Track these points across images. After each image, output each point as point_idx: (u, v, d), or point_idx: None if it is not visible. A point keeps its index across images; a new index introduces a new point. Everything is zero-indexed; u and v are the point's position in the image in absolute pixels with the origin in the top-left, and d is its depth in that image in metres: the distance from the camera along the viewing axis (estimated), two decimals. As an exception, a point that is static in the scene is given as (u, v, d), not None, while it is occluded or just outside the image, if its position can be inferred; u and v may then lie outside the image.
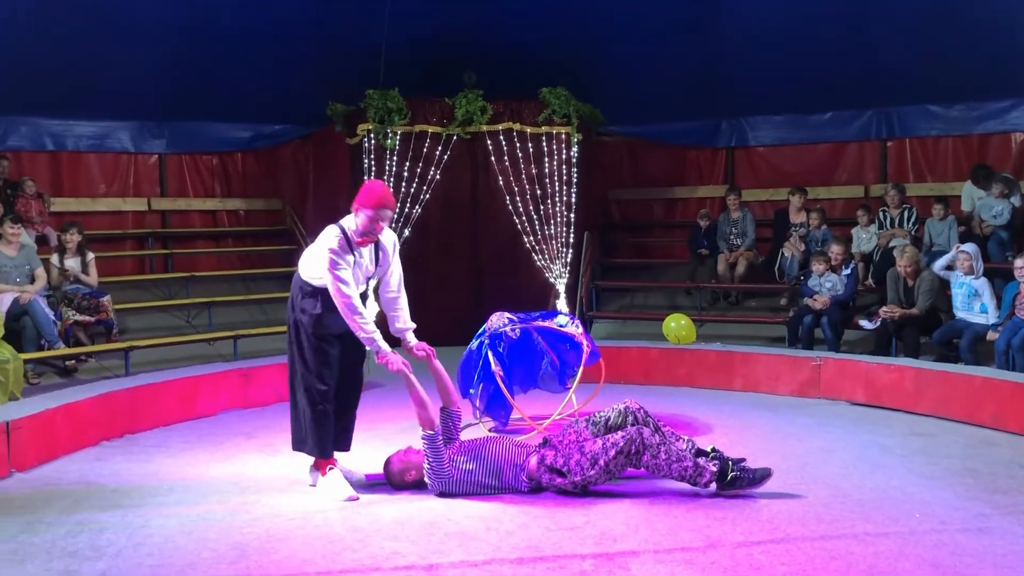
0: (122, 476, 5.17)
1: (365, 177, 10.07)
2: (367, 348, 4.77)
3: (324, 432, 4.71)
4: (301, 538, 4.06)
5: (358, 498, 4.63)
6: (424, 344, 4.91)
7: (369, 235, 4.69)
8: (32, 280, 8.18)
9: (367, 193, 4.69)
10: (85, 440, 5.82)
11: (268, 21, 10.06)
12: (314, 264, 4.70)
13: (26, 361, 7.38)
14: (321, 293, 4.68)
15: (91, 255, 8.85)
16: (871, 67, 10.29)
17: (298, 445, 4.85)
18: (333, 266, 4.54)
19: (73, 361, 8.28)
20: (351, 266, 4.62)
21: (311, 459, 4.88)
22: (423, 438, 4.72)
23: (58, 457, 5.54)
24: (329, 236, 4.64)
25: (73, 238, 8.67)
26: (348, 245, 4.63)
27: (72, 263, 8.64)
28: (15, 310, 7.81)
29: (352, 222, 4.69)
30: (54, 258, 8.65)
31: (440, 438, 4.72)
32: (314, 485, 4.82)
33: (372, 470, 5.09)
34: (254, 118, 11.41)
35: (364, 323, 4.60)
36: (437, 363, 4.89)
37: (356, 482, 4.88)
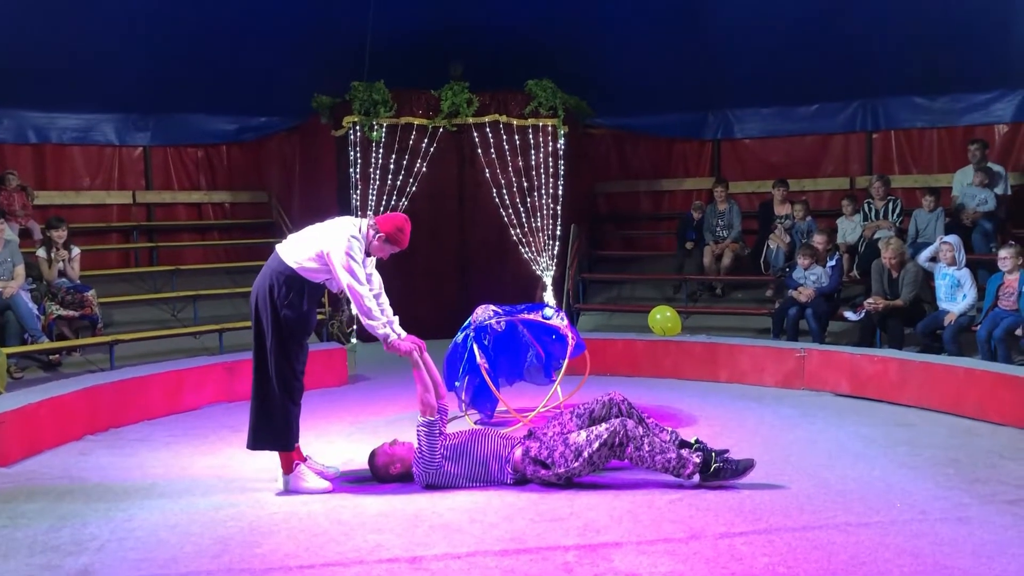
0: (106, 470, 5.16)
1: (351, 170, 10.07)
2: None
3: (293, 426, 4.65)
4: (285, 532, 4.06)
5: (332, 487, 4.65)
6: (414, 337, 4.86)
7: (372, 254, 4.75)
8: (13, 275, 8.13)
9: (396, 229, 4.68)
10: (69, 434, 5.80)
11: (253, 12, 10.02)
12: (311, 248, 4.57)
13: (9, 355, 7.36)
14: (308, 285, 4.61)
15: (76, 250, 8.81)
16: (857, 59, 10.34)
17: (260, 443, 4.64)
18: (350, 260, 4.49)
19: (57, 355, 8.25)
20: (361, 257, 4.60)
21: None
22: (422, 425, 4.68)
23: (42, 451, 5.52)
24: (344, 231, 4.56)
25: (62, 234, 8.62)
26: (361, 239, 4.62)
27: (59, 258, 8.60)
28: (-2, 304, 7.78)
29: (356, 228, 4.62)
30: (40, 251, 8.61)
31: (438, 427, 4.70)
32: (291, 489, 4.65)
33: (358, 464, 5.09)
34: (239, 110, 11.37)
35: (378, 319, 4.59)
36: (427, 356, 4.86)
37: (333, 475, 4.88)
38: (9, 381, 7.19)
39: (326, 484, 4.66)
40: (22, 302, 7.90)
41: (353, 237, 4.55)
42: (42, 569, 3.64)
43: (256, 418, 4.63)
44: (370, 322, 4.62)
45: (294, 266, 4.59)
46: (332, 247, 4.52)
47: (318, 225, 4.74)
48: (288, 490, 4.62)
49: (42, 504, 4.49)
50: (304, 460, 4.81)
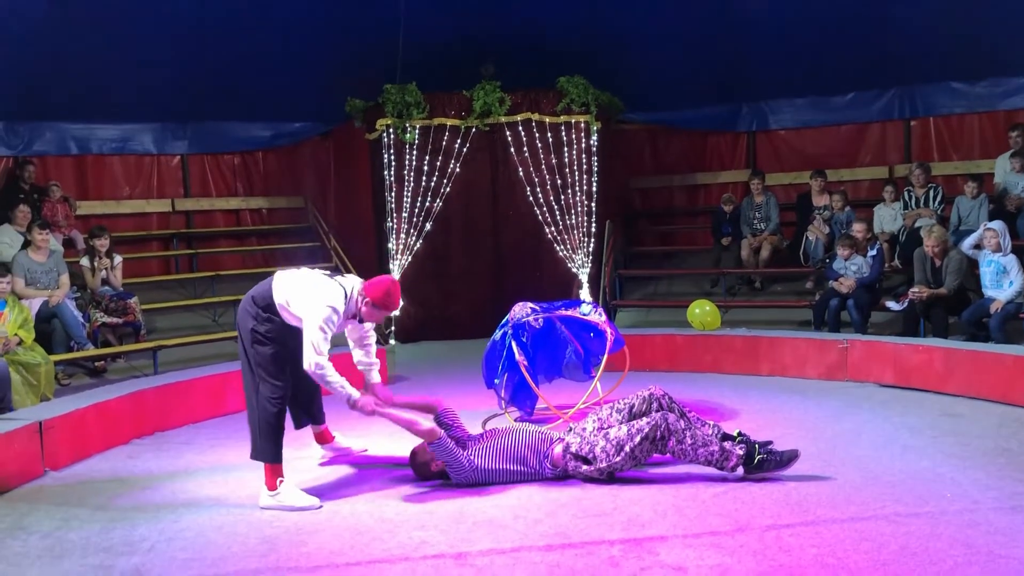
0: (153, 473, 5.24)
1: (385, 172, 10.12)
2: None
3: (277, 440, 4.61)
4: (330, 530, 4.08)
5: (321, 505, 4.47)
6: (387, 391, 4.87)
7: (364, 319, 4.76)
8: (59, 284, 8.28)
9: (384, 294, 4.66)
10: (116, 438, 5.89)
11: (284, 19, 10.11)
12: (297, 295, 4.57)
13: (56, 363, 7.49)
14: (286, 326, 4.63)
15: (119, 258, 8.95)
16: (892, 46, 10.18)
17: (255, 454, 4.63)
18: (327, 320, 4.46)
19: (102, 362, 8.38)
20: (333, 331, 4.57)
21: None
22: (431, 448, 4.69)
23: (90, 455, 5.62)
24: (332, 293, 4.54)
25: (104, 243, 8.77)
26: (342, 312, 4.59)
27: (103, 266, 8.75)
28: (45, 313, 7.92)
29: (342, 298, 4.59)
30: (84, 260, 8.76)
31: (448, 441, 4.69)
32: (274, 507, 4.48)
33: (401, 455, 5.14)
34: (274, 116, 11.49)
35: (334, 381, 4.52)
36: (395, 407, 4.83)
37: (359, 452, 5.06)
38: (57, 387, 7.32)
39: (312, 500, 4.49)
40: (68, 310, 8.04)
41: (334, 310, 4.50)
42: (96, 569, 3.70)
43: (250, 430, 4.66)
44: (328, 385, 4.55)
45: (279, 302, 4.59)
46: (308, 315, 4.48)
47: (315, 280, 4.66)
48: (270, 507, 4.46)
49: (93, 507, 4.57)
50: (332, 443, 4.90)
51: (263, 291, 4.67)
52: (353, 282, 4.76)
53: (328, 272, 4.84)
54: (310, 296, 4.55)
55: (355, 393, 4.61)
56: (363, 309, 4.70)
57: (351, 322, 4.84)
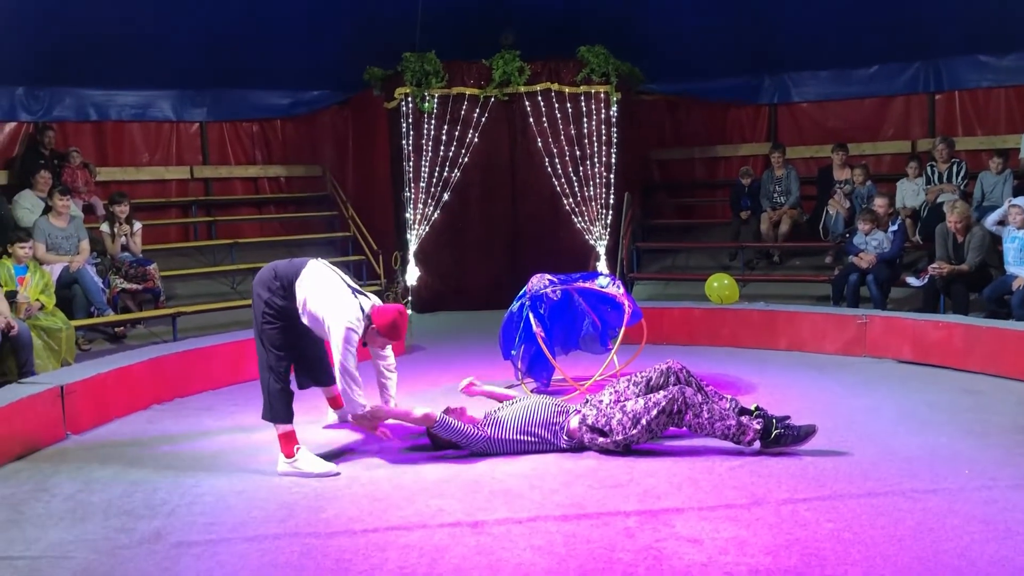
0: (173, 438, 5.29)
1: (403, 141, 10.09)
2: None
3: (285, 401, 4.65)
4: (348, 497, 4.12)
5: (339, 472, 4.49)
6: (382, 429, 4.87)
7: (366, 340, 4.77)
8: (79, 250, 8.34)
9: (391, 325, 4.68)
10: (137, 403, 5.95)
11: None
12: (318, 302, 4.62)
13: (77, 328, 7.57)
14: (297, 321, 4.69)
15: (138, 224, 9.01)
16: (918, 18, 10.02)
17: (266, 415, 4.69)
18: (348, 340, 4.53)
19: (122, 328, 8.46)
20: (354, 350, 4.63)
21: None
22: (434, 432, 4.73)
23: (111, 420, 5.68)
24: (353, 314, 4.58)
25: (124, 209, 8.82)
26: (361, 333, 4.64)
27: (122, 232, 8.81)
28: (65, 279, 7.99)
29: (357, 317, 4.62)
30: (104, 226, 8.81)
31: (448, 420, 4.70)
32: (292, 472, 4.51)
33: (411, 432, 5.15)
34: (292, 84, 11.47)
35: (357, 397, 4.62)
36: (382, 409, 4.86)
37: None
38: (78, 353, 7.40)
39: (330, 466, 4.53)
40: (88, 276, 8.11)
41: (353, 331, 4.55)
42: (118, 532, 3.76)
43: (262, 391, 4.71)
44: (348, 393, 4.63)
45: (299, 295, 4.63)
46: (334, 327, 4.55)
47: (339, 293, 4.66)
48: (288, 473, 4.50)
49: (114, 470, 4.63)
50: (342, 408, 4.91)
51: (289, 271, 4.69)
52: (372, 302, 4.79)
53: (352, 286, 4.81)
54: (333, 311, 4.58)
55: (361, 408, 4.67)
56: (369, 329, 4.72)
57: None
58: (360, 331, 4.63)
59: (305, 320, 4.68)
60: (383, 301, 5.08)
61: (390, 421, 4.99)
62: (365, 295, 4.82)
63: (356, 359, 4.61)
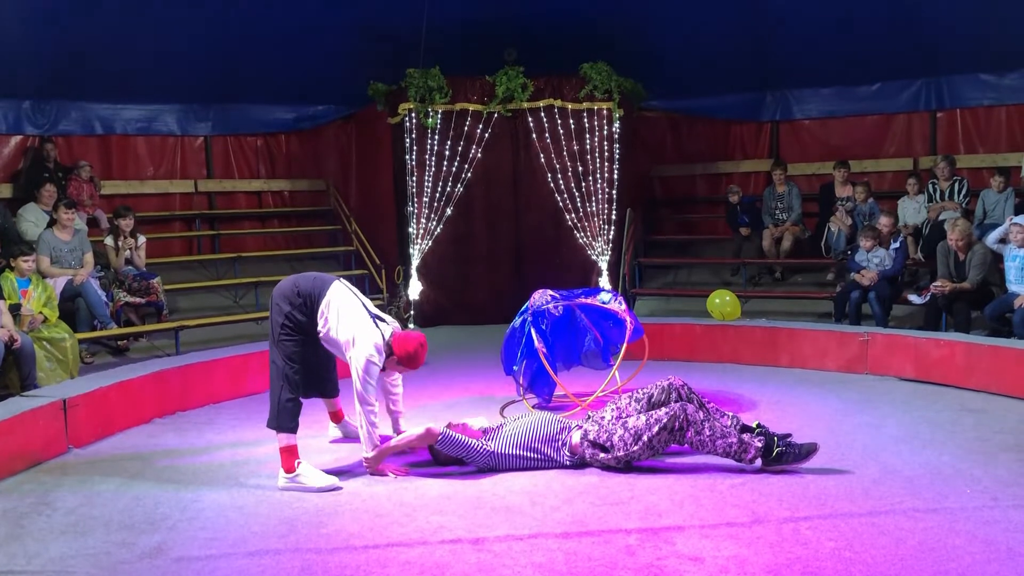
0: (175, 452, 5.30)
1: (407, 156, 10.13)
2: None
3: (292, 413, 4.68)
4: (349, 513, 4.12)
5: (341, 486, 4.50)
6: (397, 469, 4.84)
7: (384, 367, 4.79)
8: (83, 264, 8.36)
9: (410, 356, 4.72)
10: (139, 417, 5.96)
11: (309, 2, 10.11)
12: (340, 327, 4.66)
13: (80, 341, 7.59)
14: (315, 339, 4.75)
15: (142, 238, 9.03)
16: (920, 36, 10.07)
17: (271, 423, 4.71)
18: (368, 372, 4.59)
19: (125, 341, 8.47)
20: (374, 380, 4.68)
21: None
22: (437, 447, 4.74)
23: (113, 433, 5.69)
24: (371, 340, 4.62)
25: (129, 223, 8.85)
26: (381, 364, 4.69)
27: (126, 246, 8.83)
28: (69, 292, 8.01)
29: (389, 334, 4.71)
30: (108, 240, 8.84)
31: (451, 434, 4.70)
32: (291, 488, 4.51)
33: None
34: (297, 99, 11.52)
35: (371, 429, 4.69)
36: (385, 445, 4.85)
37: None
38: (81, 366, 7.41)
39: (332, 480, 4.54)
40: (92, 289, 8.13)
41: (373, 363, 4.60)
42: (119, 546, 3.76)
43: (270, 400, 4.73)
44: (362, 429, 4.70)
45: (319, 321, 4.67)
46: (355, 358, 4.60)
47: (362, 321, 4.68)
48: (289, 488, 4.49)
49: (116, 484, 4.63)
50: (343, 422, 5.04)
51: (312, 290, 4.70)
52: (392, 327, 4.81)
53: (373, 312, 4.83)
54: (355, 341, 4.62)
55: (368, 452, 4.71)
56: (389, 366, 4.77)
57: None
58: (381, 364, 4.66)
59: (324, 342, 4.73)
60: (387, 315, 5.09)
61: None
62: (385, 320, 4.85)
63: (376, 390, 4.66)
